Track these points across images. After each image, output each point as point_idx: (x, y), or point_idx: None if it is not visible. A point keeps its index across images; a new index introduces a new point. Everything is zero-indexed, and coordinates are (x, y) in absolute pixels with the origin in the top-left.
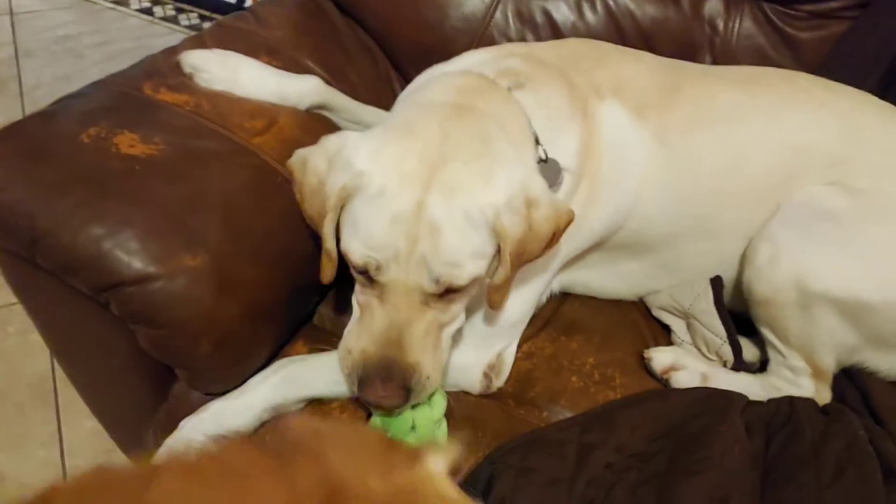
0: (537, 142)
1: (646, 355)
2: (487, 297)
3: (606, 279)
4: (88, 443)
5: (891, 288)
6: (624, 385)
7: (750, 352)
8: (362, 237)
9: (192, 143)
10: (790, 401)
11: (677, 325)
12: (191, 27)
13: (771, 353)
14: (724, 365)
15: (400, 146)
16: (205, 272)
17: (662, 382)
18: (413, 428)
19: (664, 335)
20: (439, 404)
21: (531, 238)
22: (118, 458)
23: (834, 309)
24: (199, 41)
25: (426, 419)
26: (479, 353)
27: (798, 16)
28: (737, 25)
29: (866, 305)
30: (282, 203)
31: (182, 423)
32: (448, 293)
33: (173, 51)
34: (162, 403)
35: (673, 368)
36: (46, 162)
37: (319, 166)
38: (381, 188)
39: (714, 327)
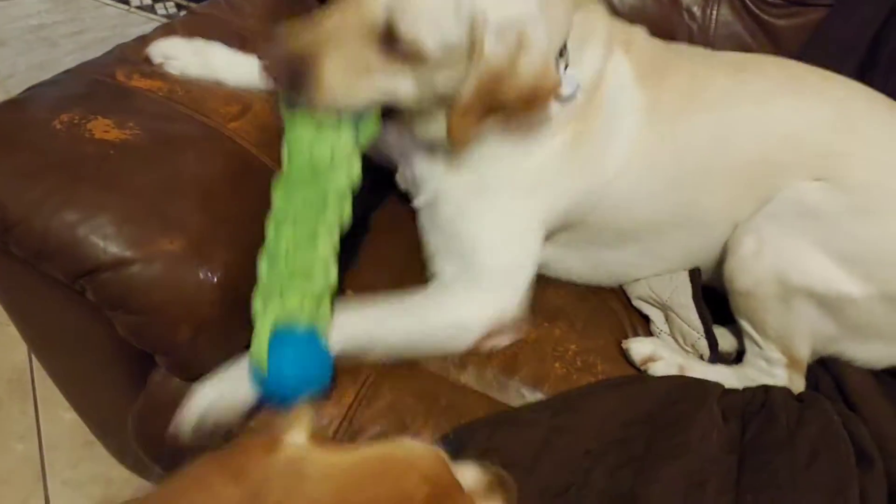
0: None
1: (624, 346)
2: (448, 123)
3: (589, 267)
4: (67, 436)
5: (873, 281)
6: (605, 372)
7: (726, 342)
8: None
9: (167, 127)
10: (765, 389)
11: (656, 316)
12: (168, 16)
13: (747, 344)
14: (701, 358)
15: None
16: (183, 256)
17: (641, 372)
18: (332, 157)
19: (644, 324)
20: (348, 133)
21: (509, 79)
22: (97, 451)
23: (814, 302)
24: (169, 29)
25: (342, 147)
26: (481, 303)
27: (775, 3)
28: (715, 13)
29: (848, 298)
30: (259, 187)
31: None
32: (391, 46)
33: (145, 39)
34: (141, 391)
35: (651, 359)
36: (17, 149)
37: None
38: None
39: (691, 321)
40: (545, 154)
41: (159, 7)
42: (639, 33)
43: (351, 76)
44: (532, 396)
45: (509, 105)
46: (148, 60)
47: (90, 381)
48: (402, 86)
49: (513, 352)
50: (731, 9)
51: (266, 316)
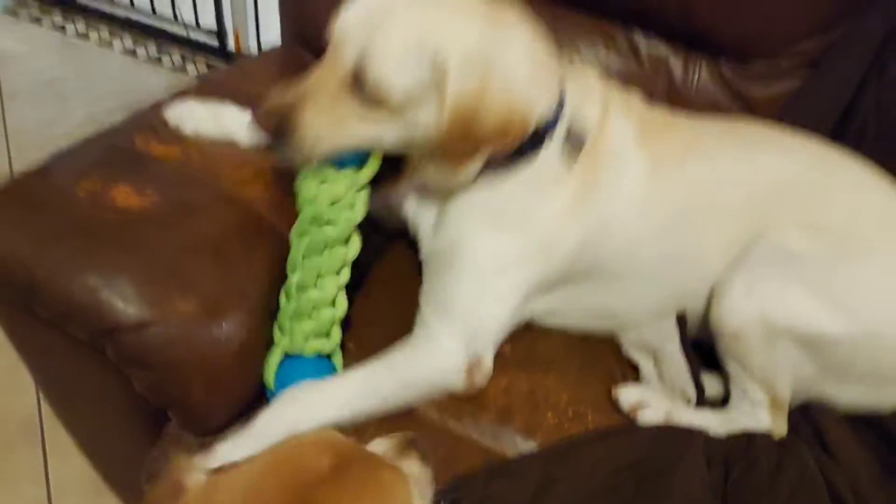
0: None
1: (613, 394)
2: (432, 164)
3: (585, 315)
4: (76, 481)
5: (856, 323)
6: (596, 422)
7: (712, 386)
8: (339, 16)
9: (183, 193)
10: (748, 434)
11: (645, 364)
12: (174, 67)
13: (733, 387)
14: (688, 403)
15: None
16: (197, 316)
17: (630, 420)
18: (333, 204)
19: (633, 371)
20: (346, 179)
21: (481, 109)
22: (106, 498)
23: (797, 342)
24: (184, 96)
25: (341, 193)
26: (459, 350)
27: (751, 73)
28: (695, 82)
29: (831, 339)
30: (270, 249)
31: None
32: (364, 91)
33: (160, 105)
34: (154, 444)
35: (639, 406)
36: (42, 214)
37: None
38: None
39: (679, 368)
40: (558, 202)
41: (165, 58)
42: (635, 97)
43: (330, 124)
44: (525, 446)
45: (486, 140)
46: (165, 123)
47: (105, 431)
48: (380, 130)
49: (507, 402)
50: (710, 78)
51: (275, 348)
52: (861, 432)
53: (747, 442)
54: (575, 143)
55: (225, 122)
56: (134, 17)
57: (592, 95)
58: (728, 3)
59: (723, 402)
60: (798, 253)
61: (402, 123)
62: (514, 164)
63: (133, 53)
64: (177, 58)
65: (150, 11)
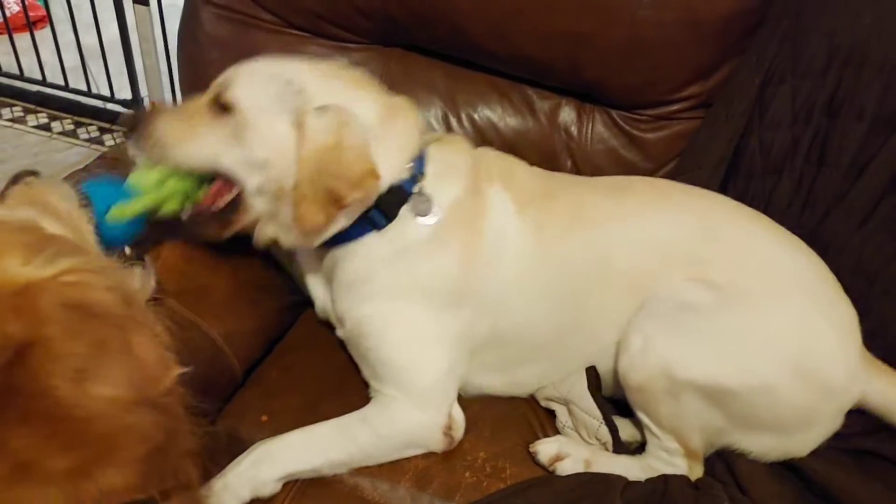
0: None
1: (531, 449)
2: (293, 212)
3: (502, 384)
4: None
5: (747, 374)
6: (514, 475)
7: (628, 432)
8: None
9: None
10: (665, 479)
11: (560, 411)
12: (90, 140)
13: (647, 436)
14: (605, 447)
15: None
16: None
17: (549, 472)
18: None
19: (551, 422)
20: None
21: (335, 159)
22: None
23: (699, 394)
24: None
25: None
26: (430, 417)
27: (642, 119)
28: (589, 131)
29: (728, 391)
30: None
31: None
32: (222, 108)
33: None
34: None
35: (558, 458)
36: None
37: None
38: None
39: (590, 410)
40: (437, 264)
41: (81, 132)
42: (519, 165)
43: (179, 131)
44: None
45: (340, 190)
46: None
47: None
48: (226, 149)
49: (425, 465)
50: (604, 126)
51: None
52: (771, 465)
53: (664, 486)
54: (421, 204)
55: None
56: (47, 91)
57: (456, 172)
58: (613, 56)
59: (641, 447)
60: (689, 303)
61: (244, 146)
62: (377, 226)
63: (47, 127)
64: (93, 130)
65: (64, 85)
